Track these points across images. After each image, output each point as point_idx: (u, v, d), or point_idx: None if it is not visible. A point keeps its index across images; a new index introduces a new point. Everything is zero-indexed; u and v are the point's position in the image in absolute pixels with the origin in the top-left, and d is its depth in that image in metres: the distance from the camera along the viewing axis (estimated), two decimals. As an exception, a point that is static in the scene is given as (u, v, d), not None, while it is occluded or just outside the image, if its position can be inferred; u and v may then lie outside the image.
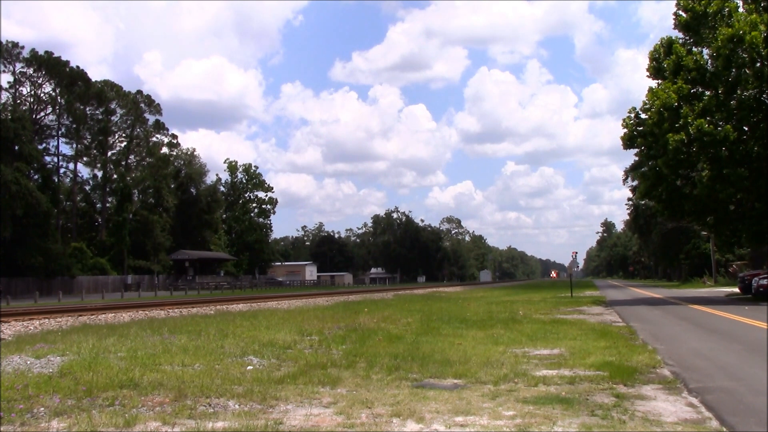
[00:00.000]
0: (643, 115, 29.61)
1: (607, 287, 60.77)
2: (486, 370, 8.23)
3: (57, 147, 70.94)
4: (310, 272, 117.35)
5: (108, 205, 74.04)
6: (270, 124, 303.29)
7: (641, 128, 29.48)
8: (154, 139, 79.89)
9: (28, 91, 67.81)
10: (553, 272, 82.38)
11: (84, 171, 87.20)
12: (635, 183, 57.24)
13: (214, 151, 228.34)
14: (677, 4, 29.13)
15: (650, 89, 28.84)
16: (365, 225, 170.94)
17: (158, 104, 79.14)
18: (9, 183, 49.14)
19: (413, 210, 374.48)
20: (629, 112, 30.23)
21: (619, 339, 11.94)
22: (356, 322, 15.93)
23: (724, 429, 5.44)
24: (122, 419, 5.60)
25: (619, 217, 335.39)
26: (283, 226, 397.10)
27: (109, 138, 75.19)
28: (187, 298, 36.61)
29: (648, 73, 30.06)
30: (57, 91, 68.32)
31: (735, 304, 23.32)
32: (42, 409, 6.03)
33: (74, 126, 70.33)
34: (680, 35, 29.55)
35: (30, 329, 16.52)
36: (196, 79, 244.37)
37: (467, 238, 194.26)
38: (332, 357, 9.71)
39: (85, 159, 74.17)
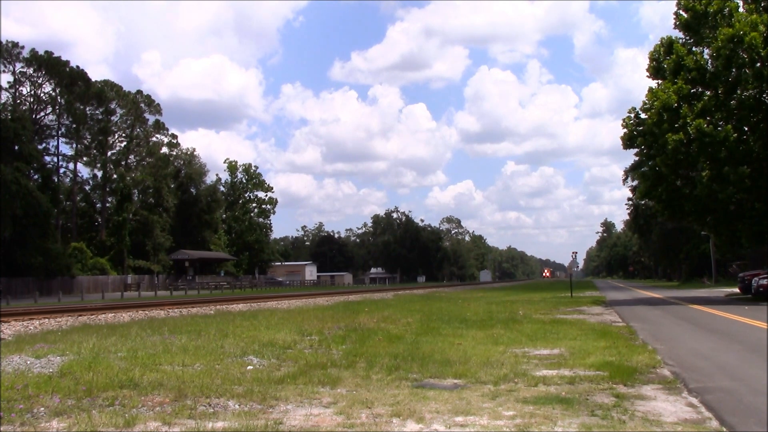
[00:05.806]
0: (642, 115, 29.62)
1: (607, 287, 60.77)
2: (486, 370, 8.23)
3: (57, 147, 71.01)
4: (310, 272, 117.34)
5: (108, 205, 74.01)
6: (270, 124, 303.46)
7: (641, 128, 29.48)
8: (154, 139, 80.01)
9: (28, 91, 67.84)
10: (545, 271, 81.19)
11: (84, 171, 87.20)
12: (635, 183, 57.20)
13: (214, 150, 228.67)
14: (678, 4, 29.15)
15: (650, 89, 28.85)
16: (365, 225, 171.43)
17: (158, 104, 79.35)
18: (9, 183, 49.12)
19: (413, 210, 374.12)
20: (629, 112, 30.28)
21: (619, 339, 11.94)
22: (356, 322, 15.92)
23: (724, 429, 5.44)
24: (122, 419, 5.60)
25: (619, 217, 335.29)
26: (283, 226, 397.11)
27: (109, 138, 75.17)
28: (187, 298, 36.61)
29: (648, 73, 30.07)
30: (57, 91, 68.26)
31: (735, 304, 23.33)
32: (42, 409, 6.02)
33: (74, 126, 70.29)
34: (680, 35, 29.58)
35: (30, 329, 16.51)
36: (195, 79, 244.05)
37: (467, 238, 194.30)
38: (332, 357, 9.70)
39: (85, 159, 74.14)
